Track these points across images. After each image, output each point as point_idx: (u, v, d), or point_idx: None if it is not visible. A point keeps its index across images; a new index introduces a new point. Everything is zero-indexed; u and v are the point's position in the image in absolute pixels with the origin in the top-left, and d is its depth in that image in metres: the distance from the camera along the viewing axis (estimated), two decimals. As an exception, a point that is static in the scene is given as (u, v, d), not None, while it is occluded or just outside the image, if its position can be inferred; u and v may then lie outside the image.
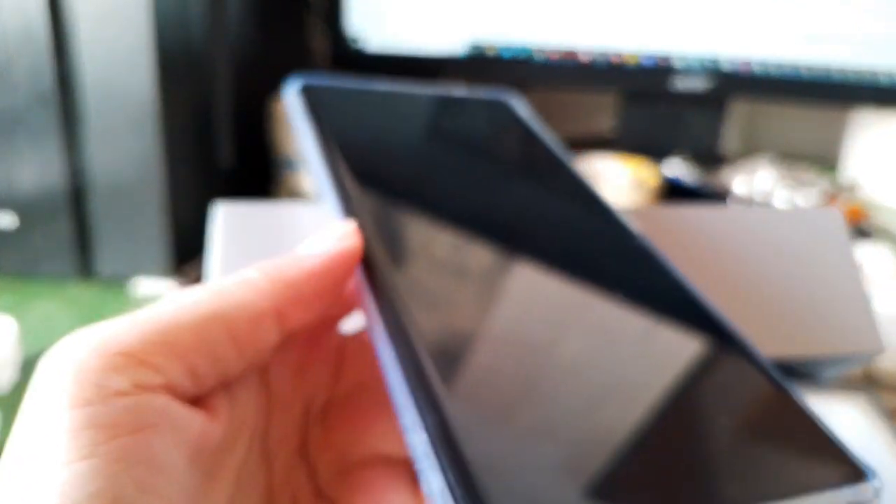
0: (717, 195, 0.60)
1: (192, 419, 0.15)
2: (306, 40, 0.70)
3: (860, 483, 0.19)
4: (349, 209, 0.21)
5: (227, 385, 0.17)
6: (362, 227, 0.20)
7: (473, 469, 0.14)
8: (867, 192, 0.69)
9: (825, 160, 0.77)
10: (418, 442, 0.15)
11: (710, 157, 0.70)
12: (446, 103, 0.29)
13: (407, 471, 0.19)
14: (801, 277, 0.36)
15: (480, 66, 0.63)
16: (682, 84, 0.61)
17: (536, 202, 0.25)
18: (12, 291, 0.50)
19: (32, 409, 0.14)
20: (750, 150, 0.80)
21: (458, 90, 0.30)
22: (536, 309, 0.20)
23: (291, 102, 0.26)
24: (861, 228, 0.60)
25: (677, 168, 0.65)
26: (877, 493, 0.19)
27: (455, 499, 0.14)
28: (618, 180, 0.64)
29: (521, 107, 0.30)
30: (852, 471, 0.19)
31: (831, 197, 0.59)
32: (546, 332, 0.19)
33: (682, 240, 0.37)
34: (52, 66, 0.45)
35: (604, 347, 0.20)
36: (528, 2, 0.60)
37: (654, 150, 0.68)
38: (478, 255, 0.21)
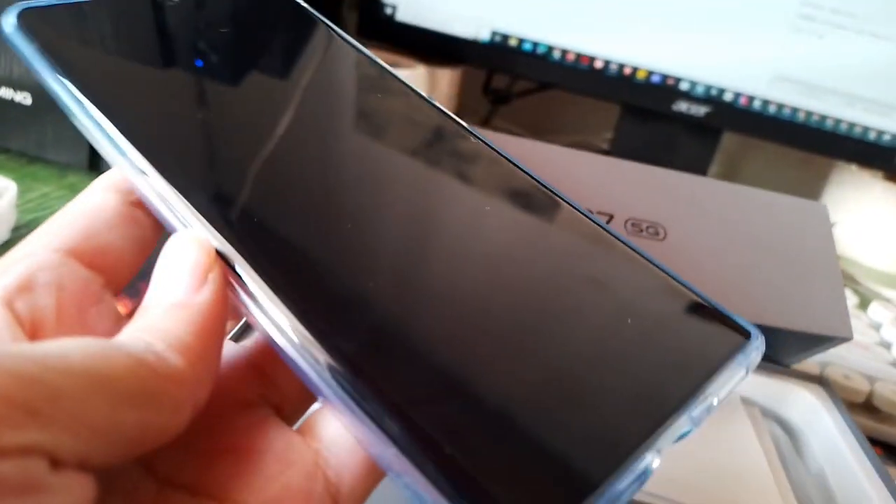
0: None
1: (72, 486, 0.13)
2: (339, 3, 0.71)
3: (748, 343, 0.18)
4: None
5: None
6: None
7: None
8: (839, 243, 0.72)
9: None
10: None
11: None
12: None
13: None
14: (784, 256, 0.37)
15: (500, 54, 0.65)
16: (684, 107, 0.64)
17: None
18: (15, 171, 0.50)
19: None
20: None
21: None
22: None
23: (12, 35, 0.20)
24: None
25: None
26: (761, 345, 0.18)
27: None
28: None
29: None
30: (737, 333, 0.18)
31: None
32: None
33: (670, 199, 0.38)
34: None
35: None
36: (556, 1, 0.63)
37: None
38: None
